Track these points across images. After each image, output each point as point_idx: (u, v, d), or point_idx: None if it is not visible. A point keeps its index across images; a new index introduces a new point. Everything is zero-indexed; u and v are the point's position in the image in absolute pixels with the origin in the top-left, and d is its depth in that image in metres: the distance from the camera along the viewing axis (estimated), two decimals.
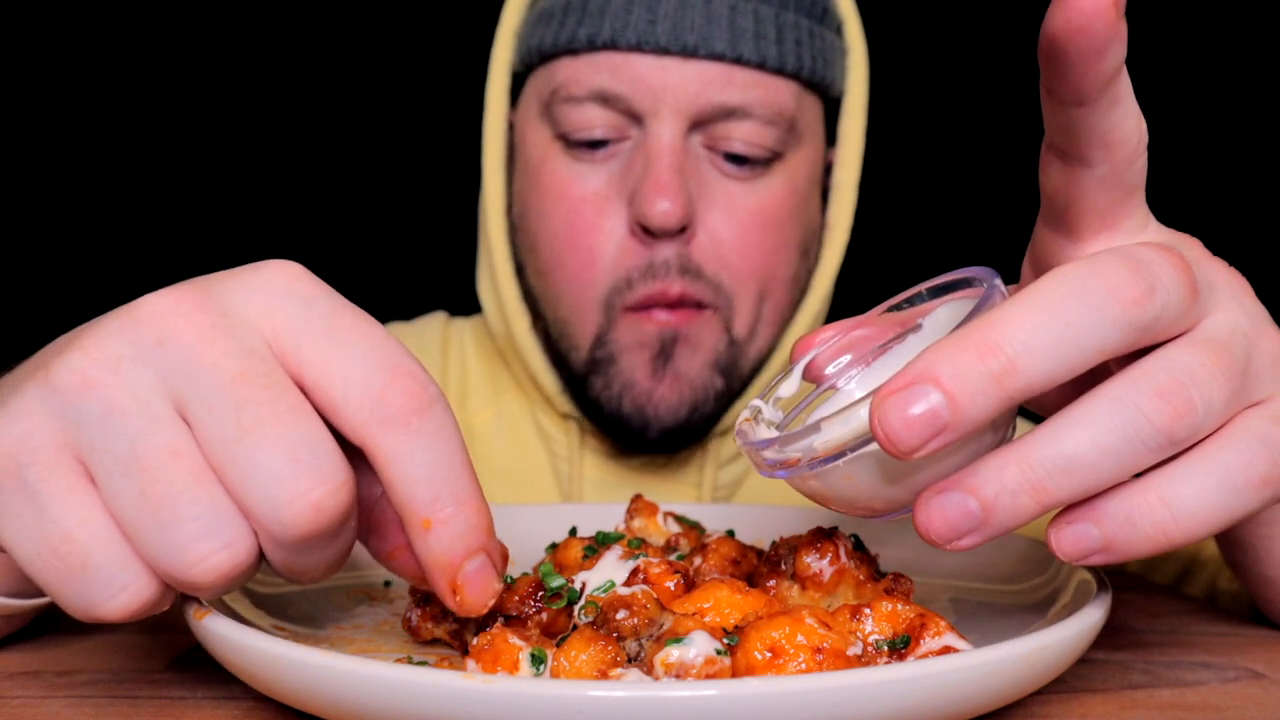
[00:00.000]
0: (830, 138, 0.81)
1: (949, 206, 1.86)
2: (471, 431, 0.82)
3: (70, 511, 0.29)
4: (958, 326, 0.31)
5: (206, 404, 0.29)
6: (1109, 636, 0.46)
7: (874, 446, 0.32)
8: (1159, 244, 0.33)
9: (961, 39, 1.87)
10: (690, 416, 0.74)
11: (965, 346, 0.30)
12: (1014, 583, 0.46)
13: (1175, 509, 0.31)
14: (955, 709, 0.30)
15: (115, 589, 0.30)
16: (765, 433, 0.39)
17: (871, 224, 0.90)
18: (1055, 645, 0.32)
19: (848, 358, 0.41)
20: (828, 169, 0.82)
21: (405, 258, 1.82)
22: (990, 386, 0.29)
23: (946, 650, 0.34)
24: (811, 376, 0.41)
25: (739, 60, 0.70)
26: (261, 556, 0.31)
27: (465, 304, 0.92)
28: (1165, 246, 0.32)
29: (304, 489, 0.29)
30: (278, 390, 0.30)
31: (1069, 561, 0.33)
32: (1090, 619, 0.34)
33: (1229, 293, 0.34)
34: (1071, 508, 0.32)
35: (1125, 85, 0.33)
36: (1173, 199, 0.49)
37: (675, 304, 0.72)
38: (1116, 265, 0.31)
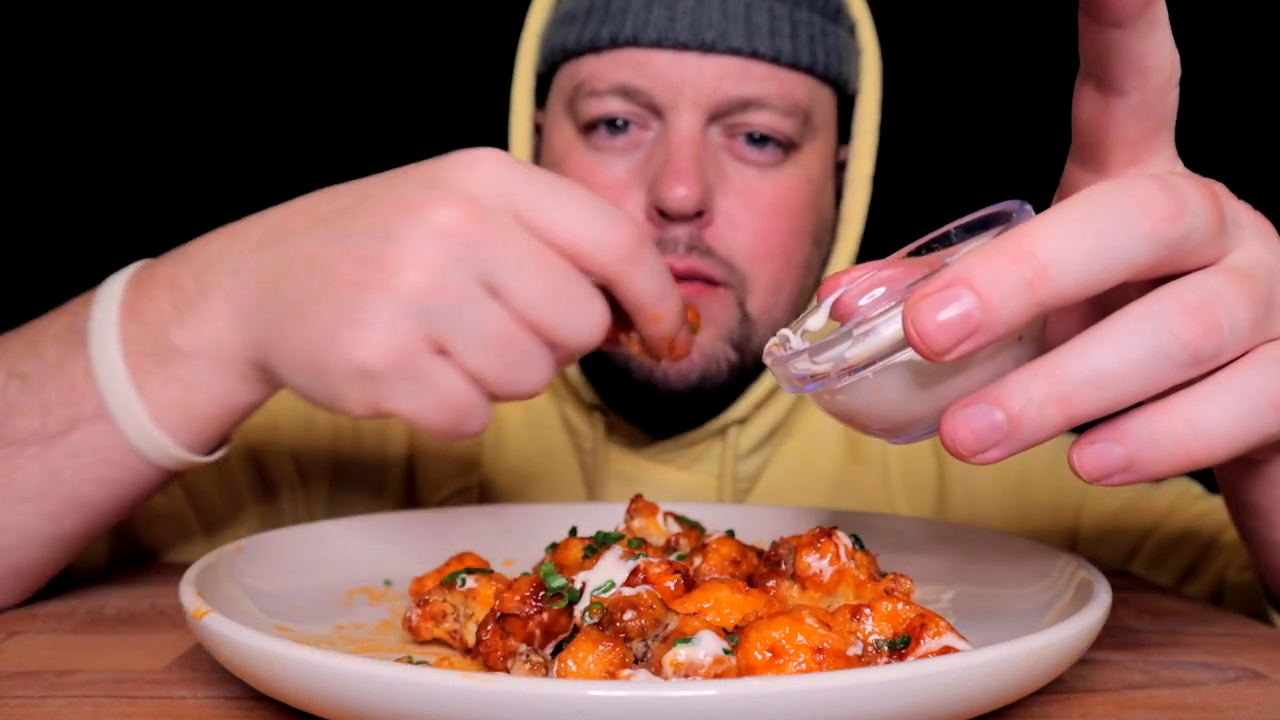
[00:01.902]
0: (844, 135, 0.82)
1: (960, 202, 1.87)
2: (502, 429, 0.84)
3: (448, 381, 0.42)
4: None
5: (515, 275, 0.41)
6: (1109, 637, 0.46)
7: (904, 355, 0.33)
8: (1189, 174, 0.34)
9: (973, 42, 1.88)
10: (701, 384, 0.75)
11: (999, 253, 0.30)
12: (1014, 583, 0.46)
13: (1198, 427, 0.32)
14: (955, 709, 0.30)
15: (479, 422, 0.43)
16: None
17: (885, 219, 0.91)
18: (1055, 645, 0.32)
19: (881, 290, 0.42)
20: (840, 167, 0.83)
21: None
22: (1022, 291, 0.30)
23: (946, 650, 0.34)
24: (840, 314, 0.42)
25: (755, 55, 0.73)
26: None
27: None
28: (1195, 176, 0.33)
29: (594, 316, 0.43)
30: (552, 252, 0.42)
31: (1091, 481, 0.33)
32: (1090, 619, 0.34)
33: (1254, 231, 0.35)
34: (1094, 427, 0.33)
35: (1162, 10, 0.34)
36: (1201, 151, 0.49)
37: (683, 278, 0.73)
38: (1148, 184, 0.32)
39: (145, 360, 0.47)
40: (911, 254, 0.41)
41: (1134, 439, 0.32)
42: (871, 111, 0.81)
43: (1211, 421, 0.32)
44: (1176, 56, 0.35)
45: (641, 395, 0.76)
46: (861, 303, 0.42)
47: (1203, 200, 0.32)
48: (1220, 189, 0.36)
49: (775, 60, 0.73)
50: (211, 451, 0.50)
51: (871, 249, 0.84)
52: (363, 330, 0.41)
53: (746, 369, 0.77)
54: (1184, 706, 0.37)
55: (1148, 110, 0.36)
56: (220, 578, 0.42)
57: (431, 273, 0.41)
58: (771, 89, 0.73)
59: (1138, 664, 0.42)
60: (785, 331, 0.41)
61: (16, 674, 0.40)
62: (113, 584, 0.57)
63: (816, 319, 0.42)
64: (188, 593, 0.37)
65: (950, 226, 0.40)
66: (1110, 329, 0.32)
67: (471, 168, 0.43)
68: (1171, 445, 0.32)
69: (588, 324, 0.43)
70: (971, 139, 1.89)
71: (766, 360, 0.39)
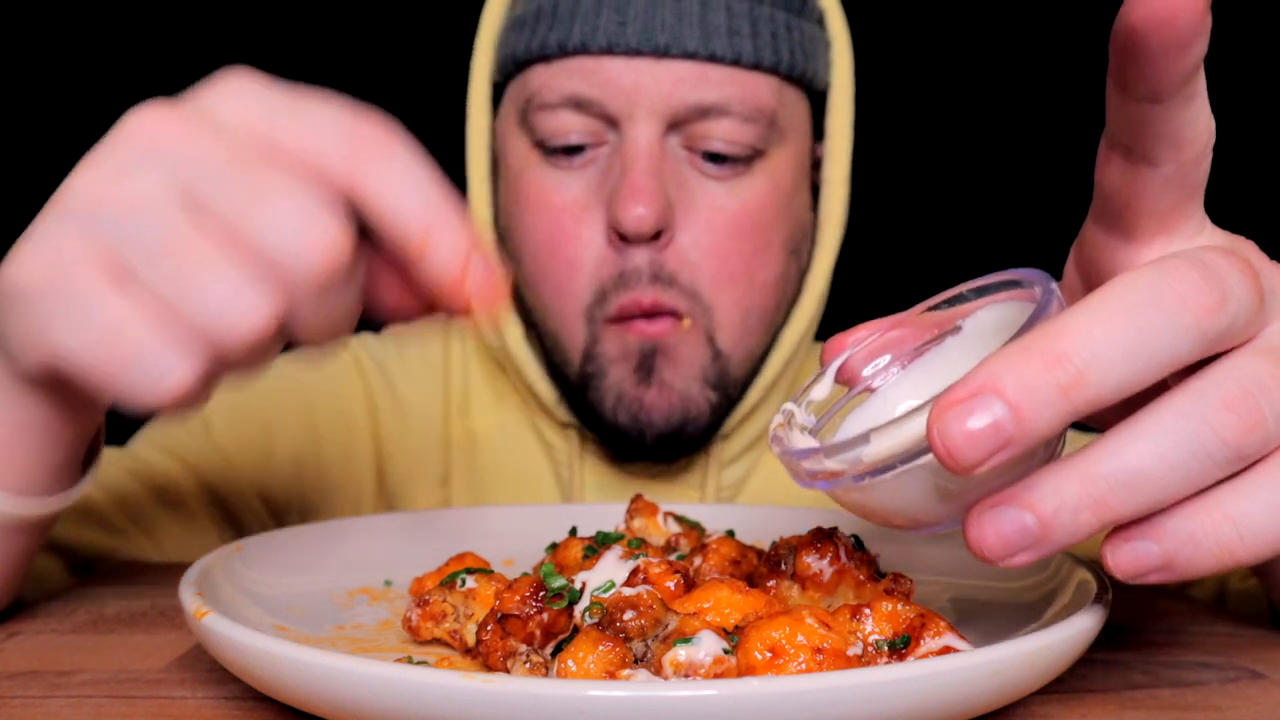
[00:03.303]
0: (819, 132, 0.79)
1: (944, 198, 1.86)
2: (475, 439, 0.82)
3: (113, 307, 0.32)
4: (1017, 334, 0.30)
5: (215, 183, 0.33)
6: (1109, 636, 0.46)
7: (926, 459, 0.30)
8: (1225, 248, 0.31)
9: (947, 27, 1.86)
10: (684, 426, 0.73)
11: (1031, 355, 0.28)
12: (1014, 582, 0.46)
13: (1242, 527, 0.30)
14: (955, 709, 0.30)
15: (165, 371, 0.32)
16: (800, 439, 0.38)
17: (868, 219, 0.89)
18: (1055, 645, 0.32)
19: (887, 358, 0.39)
20: (817, 164, 0.80)
21: None
22: (1057, 399, 0.28)
23: (946, 650, 0.34)
24: (845, 379, 0.40)
25: (713, 58, 0.69)
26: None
27: None
28: (1231, 251, 0.31)
29: (321, 230, 0.33)
30: (273, 159, 0.33)
31: (1124, 580, 0.31)
32: (1091, 619, 0.34)
33: None
34: (1128, 524, 0.31)
35: (1201, 82, 0.31)
36: (1223, 201, 0.47)
37: (651, 314, 0.71)
38: (1189, 272, 0.29)
39: None
40: (921, 313, 0.40)
41: (1172, 539, 0.30)
42: (844, 107, 0.77)
43: (1256, 521, 0.30)
44: (1212, 124, 0.33)
45: (624, 439, 0.74)
46: (865, 372, 0.40)
47: (1243, 281, 0.30)
48: (1252, 253, 0.34)
49: (735, 62, 0.69)
50: (65, 488, 0.44)
51: (856, 251, 0.83)
52: (22, 246, 0.35)
53: (730, 401, 0.75)
54: (1184, 706, 0.37)
55: (1180, 180, 0.33)
56: (220, 578, 0.42)
57: (105, 180, 0.33)
58: (732, 93, 0.69)
59: (1138, 664, 0.42)
60: (790, 406, 0.39)
61: (16, 674, 0.40)
62: (113, 584, 0.57)
63: (821, 387, 0.40)
64: (188, 593, 0.37)
65: (963, 287, 0.38)
66: (1147, 426, 0.29)
67: (209, 85, 0.36)
68: (1213, 546, 0.30)
69: (309, 240, 0.32)
70: (955, 130, 1.87)
71: (774, 449, 0.36)
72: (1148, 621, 0.49)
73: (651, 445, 0.74)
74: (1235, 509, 0.30)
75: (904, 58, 1.72)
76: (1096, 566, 0.41)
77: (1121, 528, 0.31)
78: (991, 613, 0.43)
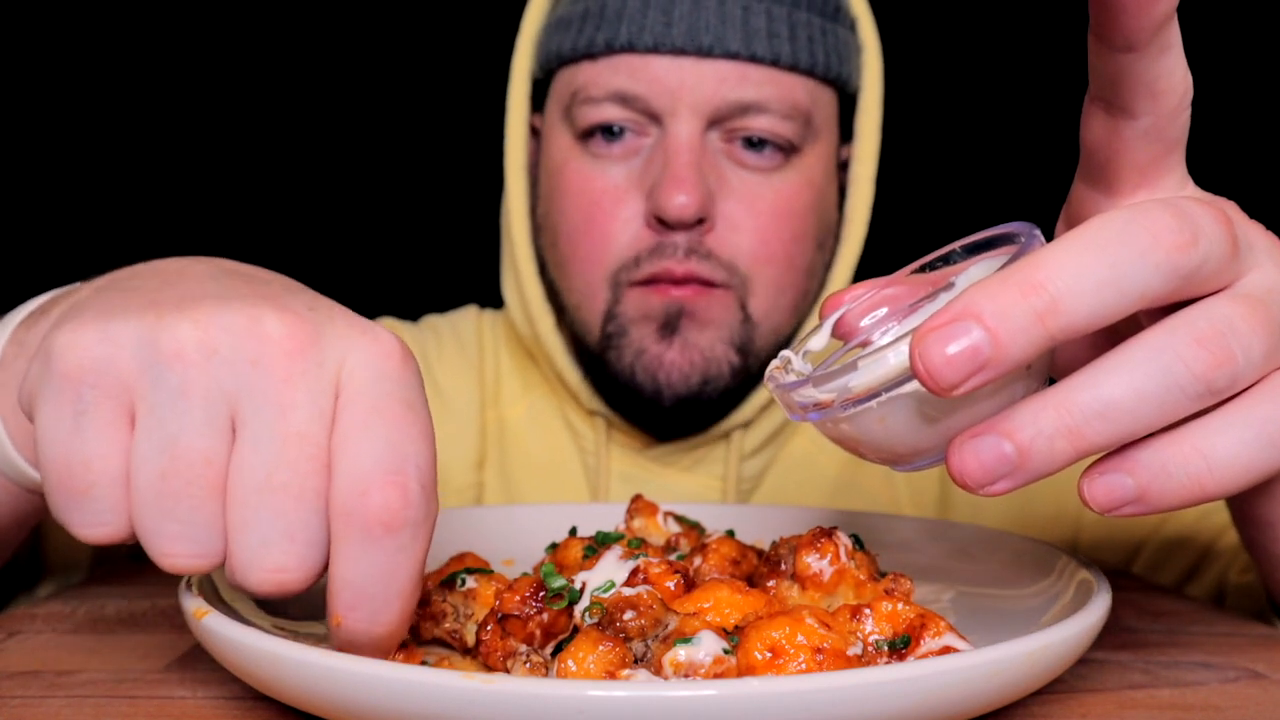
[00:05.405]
0: (846, 134, 0.82)
1: (965, 201, 1.87)
2: (505, 426, 0.84)
3: (101, 443, 0.31)
4: (998, 269, 0.31)
5: (257, 440, 0.31)
6: (1109, 636, 0.46)
7: (910, 387, 0.32)
8: (1202, 200, 0.32)
9: (974, 35, 1.87)
10: (703, 388, 0.75)
11: (1008, 285, 0.29)
12: (1014, 583, 0.46)
13: (1211, 460, 0.32)
14: (955, 709, 0.30)
15: (97, 522, 0.32)
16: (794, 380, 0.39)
17: (889, 219, 0.91)
18: (1055, 645, 0.32)
19: (884, 311, 0.41)
20: (843, 166, 0.83)
21: (436, 252, 1.84)
22: (1032, 324, 0.29)
23: (946, 650, 0.34)
24: (842, 333, 0.41)
25: (753, 58, 0.72)
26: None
27: (494, 297, 0.93)
28: (1207, 201, 0.32)
29: (279, 564, 0.31)
30: (313, 467, 0.31)
31: (1101, 512, 0.33)
32: (1090, 619, 0.34)
33: (1268, 254, 0.34)
34: (1104, 458, 0.32)
35: (1175, 33, 0.33)
36: (1209, 166, 0.48)
37: (682, 281, 0.73)
38: (1161, 212, 0.31)
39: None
40: (915, 272, 0.41)
41: (1145, 470, 0.32)
42: (873, 110, 0.81)
43: (1225, 454, 0.32)
44: (1189, 78, 0.34)
45: (643, 402, 0.76)
46: (864, 323, 0.41)
47: (1216, 225, 0.31)
48: (1232, 209, 0.35)
49: (774, 63, 0.73)
50: None
51: (877, 250, 0.84)
52: (97, 321, 0.32)
53: (750, 373, 0.77)
54: (1184, 706, 0.37)
55: (1159, 133, 0.35)
56: (220, 577, 0.42)
57: (198, 346, 0.31)
58: (770, 92, 0.73)
59: (1138, 664, 0.42)
60: (787, 353, 0.40)
61: (16, 674, 0.40)
62: (113, 584, 0.57)
63: (819, 339, 0.41)
64: (187, 593, 0.37)
65: (955, 245, 0.39)
66: (1121, 360, 0.31)
67: (359, 333, 0.33)
68: (1184, 478, 0.32)
69: (267, 559, 0.31)
70: (976, 136, 1.89)
71: (769, 385, 0.38)
72: (1148, 621, 0.50)
73: (668, 408, 0.75)
74: (1205, 443, 0.32)
75: (931, 65, 1.74)
76: (1097, 567, 0.41)
77: (1097, 462, 0.32)
78: (991, 613, 0.43)
